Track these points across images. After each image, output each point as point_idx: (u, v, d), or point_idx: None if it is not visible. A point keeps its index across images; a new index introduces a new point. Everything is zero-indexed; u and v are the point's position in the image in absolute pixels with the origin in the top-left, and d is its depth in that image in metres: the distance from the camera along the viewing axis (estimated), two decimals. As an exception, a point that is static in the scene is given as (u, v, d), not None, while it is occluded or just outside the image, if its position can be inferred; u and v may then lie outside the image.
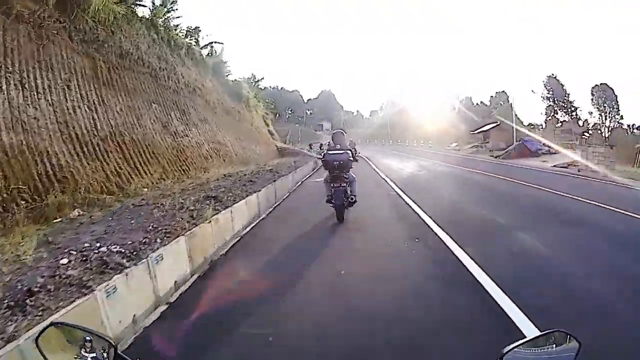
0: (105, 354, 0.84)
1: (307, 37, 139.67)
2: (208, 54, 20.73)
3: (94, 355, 0.82)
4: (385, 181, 10.78)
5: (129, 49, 10.45)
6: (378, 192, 8.68)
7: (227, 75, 18.44)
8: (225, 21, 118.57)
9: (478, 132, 35.77)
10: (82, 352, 0.82)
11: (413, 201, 7.08)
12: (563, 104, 39.90)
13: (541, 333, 0.85)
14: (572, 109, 39.87)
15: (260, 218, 6.02)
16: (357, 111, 79.49)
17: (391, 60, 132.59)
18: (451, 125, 44.13)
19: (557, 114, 40.33)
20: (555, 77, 40.99)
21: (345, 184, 5.39)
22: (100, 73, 8.83)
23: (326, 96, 76.37)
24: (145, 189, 6.98)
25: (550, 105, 40.74)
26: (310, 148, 31.27)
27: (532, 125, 38.00)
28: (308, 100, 77.36)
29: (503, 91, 49.05)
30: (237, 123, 17.05)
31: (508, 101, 45.27)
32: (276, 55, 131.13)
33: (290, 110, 72.83)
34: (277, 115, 66.88)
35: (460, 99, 52.28)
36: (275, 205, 7.33)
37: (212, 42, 21.30)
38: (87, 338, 0.84)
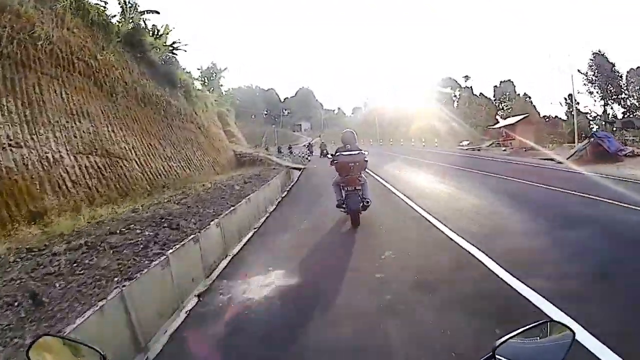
0: None
1: (281, 33, 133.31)
2: (150, 32, 14.88)
3: None
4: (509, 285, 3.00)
5: None
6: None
7: (153, 50, 12.64)
8: (196, 16, 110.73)
9: (500, 127, 28.14)
10: None
11: None
12: (614, 90, 32.42)
13: (533, 324, 0.80)
14: (626, 95, 32.19)
15: None
16: (338, 109, 74.30)
17: (375, 53, 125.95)
18: (452, 120, 37.96)
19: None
20: (603, 55, 33.25)
21: (359, 187, 5.26)
22: None
23: (304, 94, 70.97)
24: None
25: (591, 91, 33.48)
26: (266, 149, 24.66)
27: (547, 117, 32.84)
28: (285, 99, 71.74)
29: (509, 80, 42.82)
30: (164, 120, 11.36)
31: (515, 92, 40.58)
32: (249, 52, 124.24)
33: (266, 110, 66.94)
34: (253, 116, 60.88)
35: (459, 91, 46.17)
36: None
37: (144, 11, 15.54)
38: (77, 349, 0.85)
